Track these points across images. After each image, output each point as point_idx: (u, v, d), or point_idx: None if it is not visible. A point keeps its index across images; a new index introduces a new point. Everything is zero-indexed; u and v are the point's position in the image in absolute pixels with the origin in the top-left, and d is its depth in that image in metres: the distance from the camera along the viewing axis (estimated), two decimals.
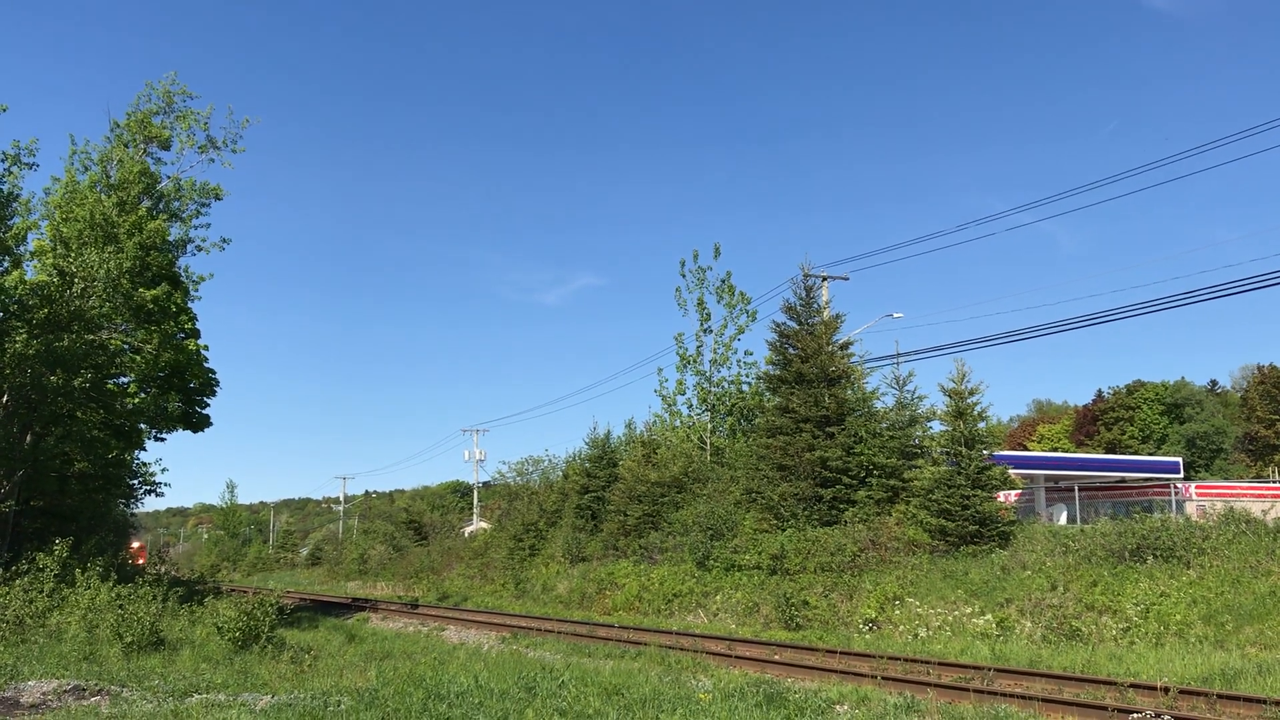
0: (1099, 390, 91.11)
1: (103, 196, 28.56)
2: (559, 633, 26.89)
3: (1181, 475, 48.09)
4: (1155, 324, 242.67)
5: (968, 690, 14.90)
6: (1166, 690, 14.12)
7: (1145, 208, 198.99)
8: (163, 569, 40.65)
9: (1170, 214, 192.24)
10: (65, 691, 14.04)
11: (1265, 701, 13.08)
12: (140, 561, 66.98)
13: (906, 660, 18.55)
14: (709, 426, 46.91)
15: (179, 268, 34.14)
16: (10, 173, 25.42)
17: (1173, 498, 42.95)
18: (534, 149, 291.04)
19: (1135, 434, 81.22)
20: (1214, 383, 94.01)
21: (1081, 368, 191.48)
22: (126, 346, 29.57)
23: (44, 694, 13.93)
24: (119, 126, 31.73)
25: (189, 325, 35.40)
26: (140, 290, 28.42)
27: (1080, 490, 45.88)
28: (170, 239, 31.97)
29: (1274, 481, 58.14)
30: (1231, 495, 44.58)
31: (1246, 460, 79.24)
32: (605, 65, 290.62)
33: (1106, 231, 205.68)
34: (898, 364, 33.02)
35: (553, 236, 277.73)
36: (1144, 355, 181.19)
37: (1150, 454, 68.75)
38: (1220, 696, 13.63)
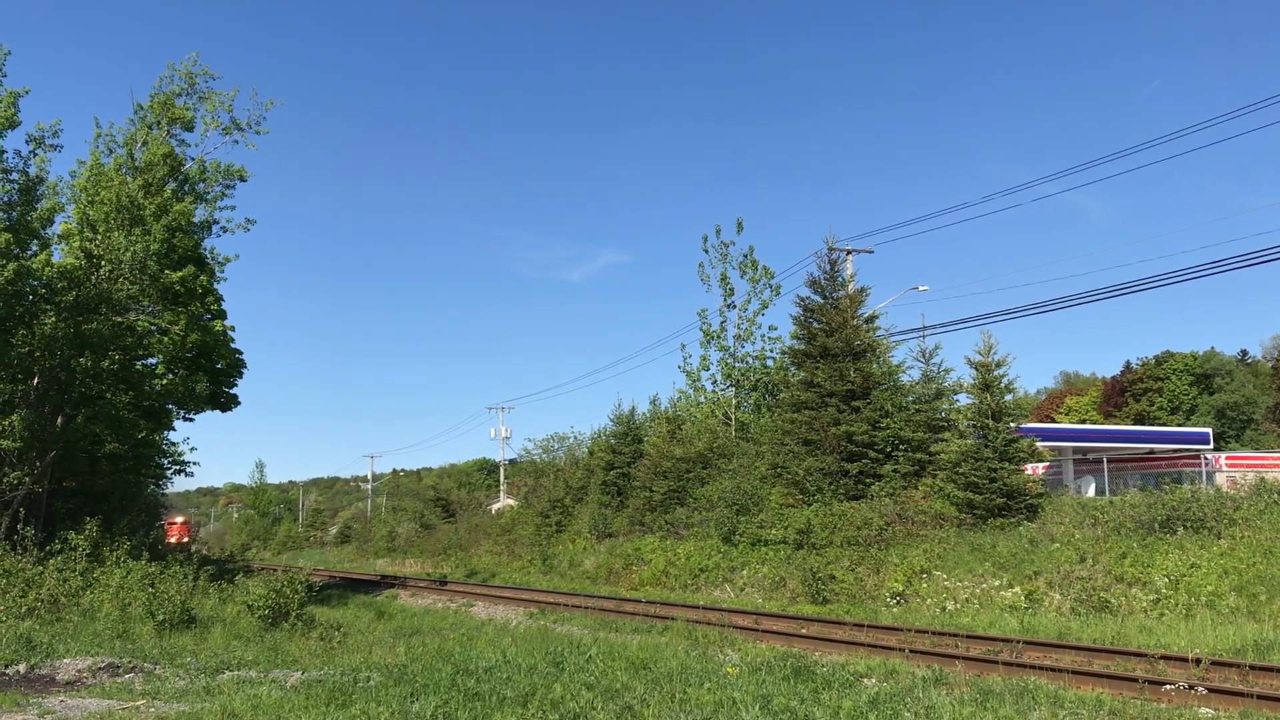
0: (1127, 361, 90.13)
1: (128, 179, 28.74)
2: (586, 608, 26.99)
3: (1211, 446, 47.57)
4: (1184, 294, 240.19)
5: (996, 663, 14.84)
6: (1198, 662, 14.01)
7: (1175, 176, 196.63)
8: (194, 548, 41.09)
9: (1200, 182, 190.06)
10: (100, 669, 14.21)
11: None
12: (186, 539, 66.80)
13: (934, 633, 18.50)
14: (733, 402, 46.83)
15: (204, 249, 34.38)
16: (36, 155, 25.57)
17: (1203, 469, 42.60)
18: (558, 127, 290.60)
19: (1164, 405, 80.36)
20: (1244, 352, 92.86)
21: (1109, 339, 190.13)
22: (154, 328, 29.79)
23: (79, 671, 14.10)
24: (142, 109, 31.88)
25: (215, 306, 35.64)
26: (167, 272, 28.61)
27: (1109, 462, 45.57)
28: (195, 220, 32.17)
29: None
30: (1263, 466, 44.16)
31: (1277, 431, 78.33)
32: (629, 42, 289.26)
33: (1136, 201, 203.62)
34: (923, 337, 32.83)
35: (577, 214, 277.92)
36: (1173, 325, 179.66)
37: (1179, 425, 68.07)
38: (1253, 668, 13.51)
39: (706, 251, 48.88)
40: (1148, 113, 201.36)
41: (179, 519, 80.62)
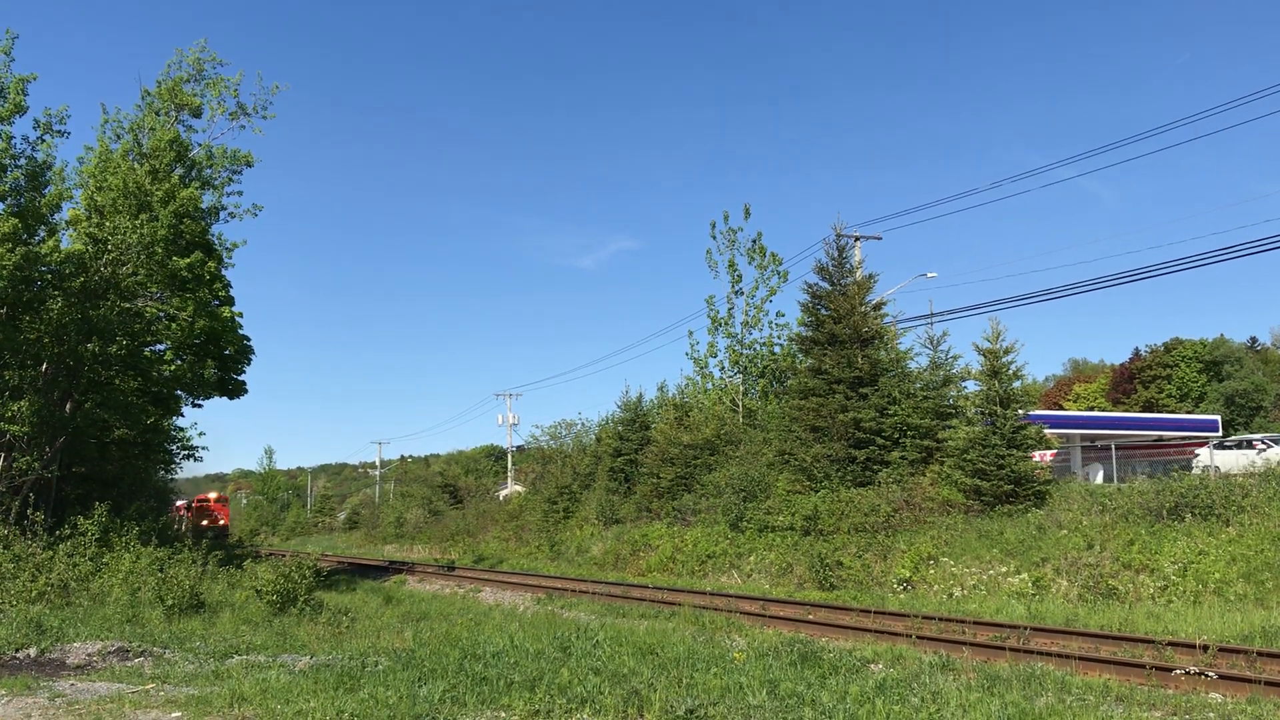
0: (1136, 348, 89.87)
1: (135, 165, 28.71)
2: (593, 594, 27.04)
3: (1220, 433, 47.42)
4: (1194, 280, 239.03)
5: (1003, 649, 14.85)
6: (1205, 648, 13.99)
7: (1188, 161, 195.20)
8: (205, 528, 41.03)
9: (1212, 167, 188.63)
10: (110, 653, 14.29)
11: None
12: (224, 522, 61.55)
13: (941, 619, 18.51)
14: (741, 389, 46.78)
15: (212, 235, 34.33)
16: (44, 141, 25.60)
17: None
18: (569, 112, 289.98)
19: (1173, 392, 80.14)
20: (1254, 340, 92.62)
21: (1118, 326, 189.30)
22: (162, 314, 29.84)
23: (89, 655, 14.18)
24: (150, 95, 31.80)
25: (223, 293, 35.63)
26: (174, 258, 28.60)
27: (1117, 449, 45.40)
28: (203, 206, 32.10)
29: None
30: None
31: None
32: (638, 26, 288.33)
33: (1148, 186, 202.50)
34: (931, 324, 32.69)
35: (588, 200, 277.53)
36: (1182, 312, 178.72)
37: (1188, 412, 67.94)
38: (1260, 654, 13.49)
39: (715, 238, 48.83)
40: (1174, 90, 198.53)
41: (212, 495, 68.12)
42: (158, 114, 31.33)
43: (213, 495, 66.71)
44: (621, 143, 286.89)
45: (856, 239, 38.08)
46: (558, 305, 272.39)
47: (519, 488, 71.02)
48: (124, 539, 23.51)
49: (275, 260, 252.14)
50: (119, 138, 30.95)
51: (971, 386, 30.66)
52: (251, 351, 38.15)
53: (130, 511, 27.10)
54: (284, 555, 29.50)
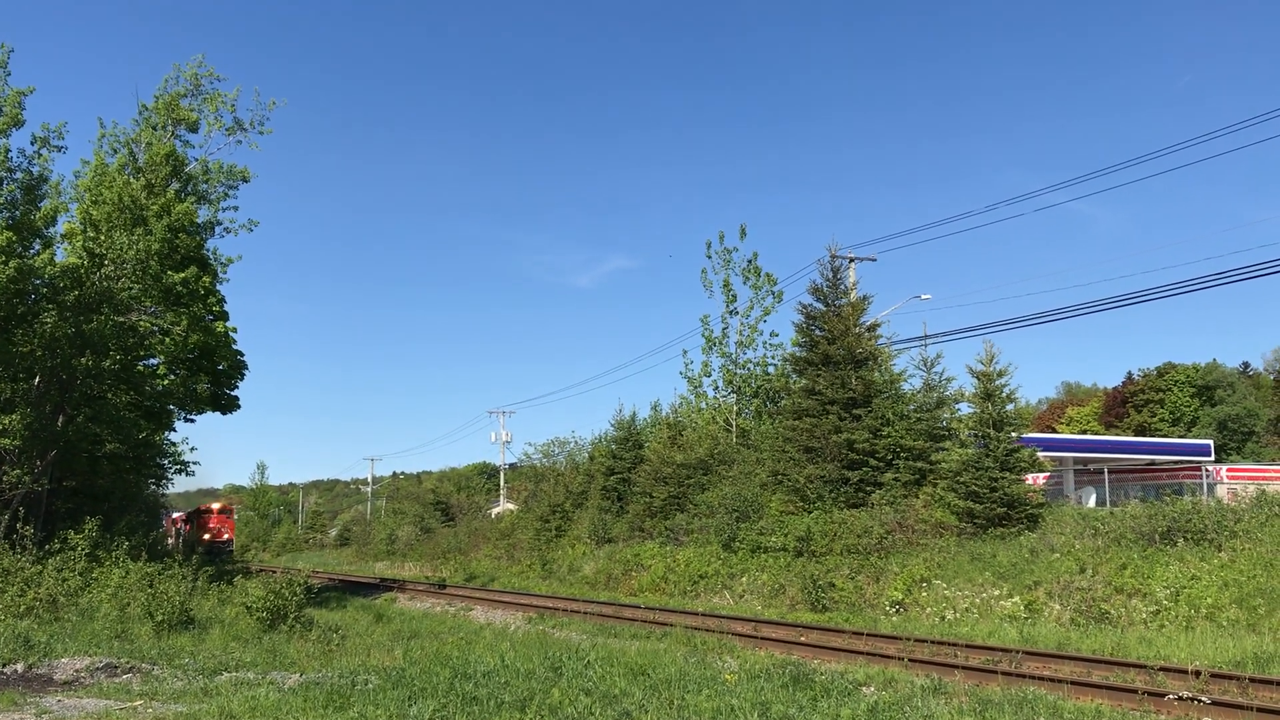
0: (1129, 372, 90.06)
1: (131, 179, 28.73)
2: (585, 613, 26.95)
3: (1212, 458, 47.52)
4: (1187, 305, 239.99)
5: (995, 672, 14.82)
6: (1198, 674, 13.98)
7: (1184, 185, 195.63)
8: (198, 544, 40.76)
9: (1206, 193, 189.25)
10: (97, 669, 14.20)
11: None
12: (226, 536, 58.68)
13: (934, 642, 18.47)
14: (734, 408, 46.80)
15: (207, 250, 34.35)
16: (40, 155, 25.61)
17: (1204, 480, 42.56)
18: (568, 130, 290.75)
19: (1166, 416, 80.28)
20: (1246, 365, 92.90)
21: (1111, 349, 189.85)
22: (155, 328, 29.78)
23: (77, 671, 14.09)
24: (147, 109, 31.88)
25: (217, 307, 35.61)
26: (169, 272, 28.59)
27: (1109, 473, 45.53)
28: (198, 221, 32.13)
29: None
30: (1263, 478, 44.11)
31: (1279, 443, 78.23)
32: (637, 46, 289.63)
33: (1144, 210, 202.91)
34: (925, 345, 32.76)
35: (587, 218, 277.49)
36: (1175, 337, 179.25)
37: (1181, 437, 68.04)
38: (1252, 680, 13.48)
39: (710, 258, 48.94)
40: (1172, 115, 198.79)
41: (215, 505, 61.86)
42: (155, 128, 31.39)
43: (215, 506, 61.28)
44: (620, 161, 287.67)
45: (851, 260, 38.21)
46: (553, 322, 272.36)
47: (511, 506, 70.87)
48: (114, 554, 23.41)
49: (269, 274, 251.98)
50: (115, 152, 30.99)
51: (965, 409, 30.70)
52: (245, 366, 38.10)
53: (120, 526, 26.98)
54: (275, 571, 29.37)
